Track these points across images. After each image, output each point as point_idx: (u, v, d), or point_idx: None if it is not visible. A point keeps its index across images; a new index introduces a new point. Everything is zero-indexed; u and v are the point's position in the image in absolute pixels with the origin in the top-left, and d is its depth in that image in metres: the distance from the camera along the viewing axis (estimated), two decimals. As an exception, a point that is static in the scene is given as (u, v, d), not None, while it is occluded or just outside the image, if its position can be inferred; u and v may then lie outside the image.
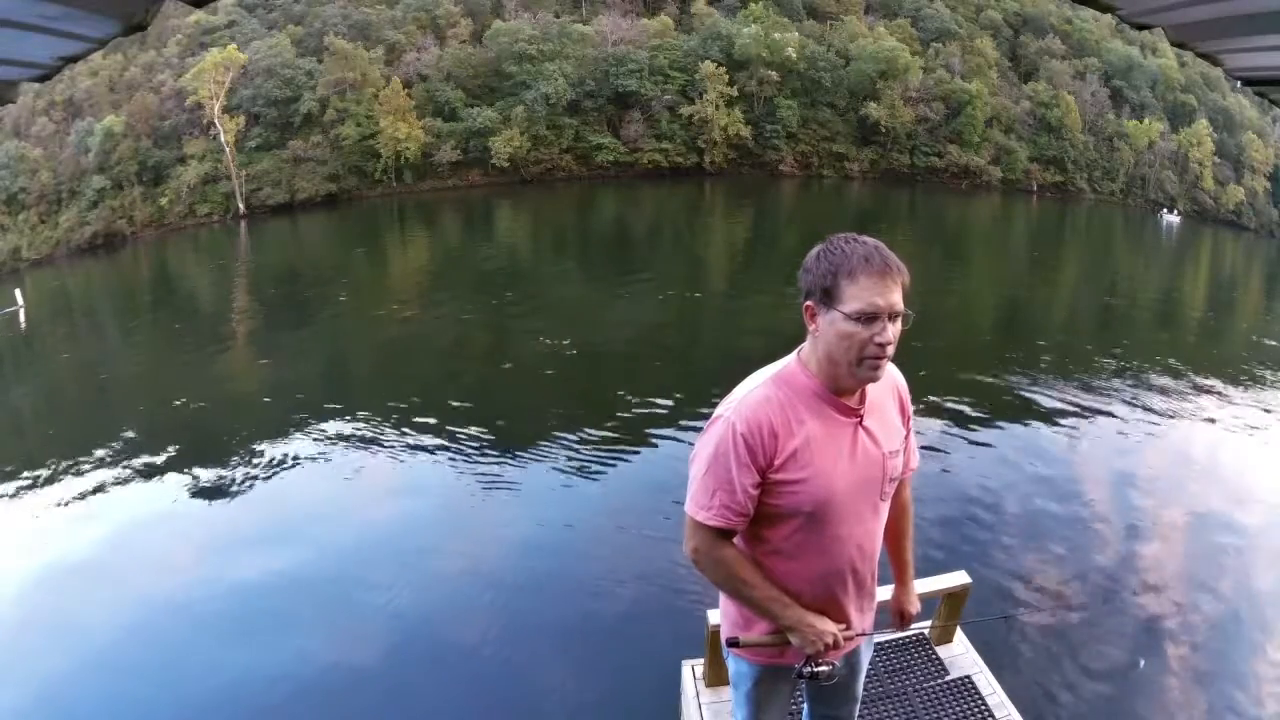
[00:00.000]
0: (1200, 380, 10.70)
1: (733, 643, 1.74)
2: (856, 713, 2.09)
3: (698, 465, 1.58)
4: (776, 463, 1.52)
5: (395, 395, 9.90)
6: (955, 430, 8.03)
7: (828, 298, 1.46)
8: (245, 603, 5.25)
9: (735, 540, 1.63)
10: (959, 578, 3.27)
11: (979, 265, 23.25)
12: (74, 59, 1.55)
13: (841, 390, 1.56)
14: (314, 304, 17.22)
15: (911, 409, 1.75)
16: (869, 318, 1.43)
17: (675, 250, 24.73)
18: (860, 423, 1.59)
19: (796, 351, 1.61)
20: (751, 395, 1.55)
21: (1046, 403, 9.14)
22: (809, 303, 1.50)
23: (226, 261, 28.17)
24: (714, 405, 1.63)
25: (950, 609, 3.32)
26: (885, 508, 1.70)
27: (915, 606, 1.99)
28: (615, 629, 4.82)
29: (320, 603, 5.22)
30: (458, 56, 40.82)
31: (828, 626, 1.64)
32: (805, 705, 2.17)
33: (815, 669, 1.66)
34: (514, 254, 24.55)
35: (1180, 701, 4.16)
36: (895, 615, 2.00)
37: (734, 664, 1.88)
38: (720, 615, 1.88)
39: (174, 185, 36.41)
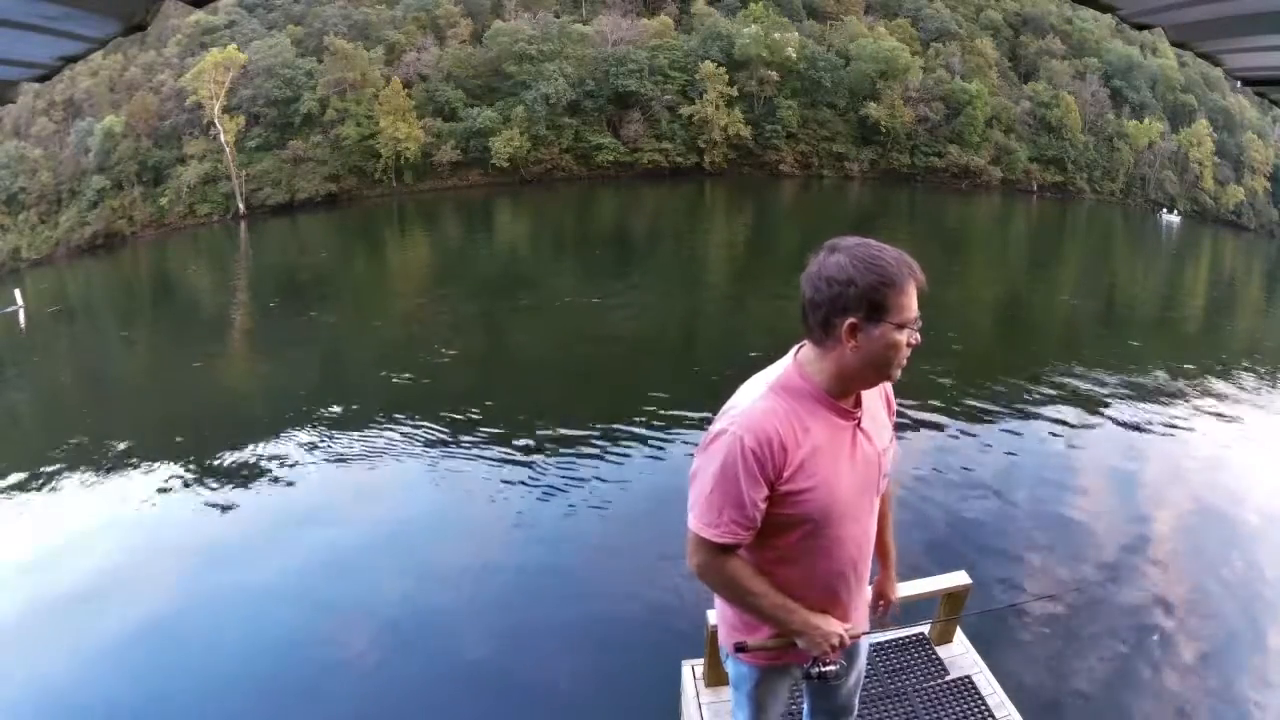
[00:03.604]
0: (1199, 379, 10.70)
1: (740, 648, 1.73)
2: (856, 705, 2.10)
3: (702, 482, 1.54)
4: (786, 474, 1.50)
5: (394, 397, 9.90)
6: (956, 430, 8.03)
7: (877, 311, 1.44)
8: (243, 605, 5.24)
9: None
10: (959, 578, 3.27)
11: (978, 265, 23.26)
12: (74, 59, 1.55)
13: (844, 394, 1.56)
14: (313, 304, 17.21)
15: (895, 402, 1.79)
16: (911, 324, 1.47)
17: (675, 250, 24.72)
18: (859, 425, 1.59)
19: (792, 355, 1.59)
20: (756, 407, 1.51)
21: (1046, 402, 9.13)
22: (853, 319, 1.44)
23: (226, 261, 28.18)
24: (714, 406, 1.62)
25: (950, 609, 3.32)
26: (878, 503, 1.72)
27: (896, 592, 2.02)
28: (615, 629, 4.82)
29: (319, 605, 5.22)
30: (458, 56, 40.83)
31: (834, 627, 1.65)
32: (805, 702, 2.18)
33: (823, 669, 1.67)
34: (513, 254, 24.57)
35: (1181, 701, 4.16)
36: (875, 598, 2.00)
37: (734, 666, 1.88)
38: (718, 620, 1.87)
39: (174, 185, 36.45)
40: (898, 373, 1.52)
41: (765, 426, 1.48)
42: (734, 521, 1.51)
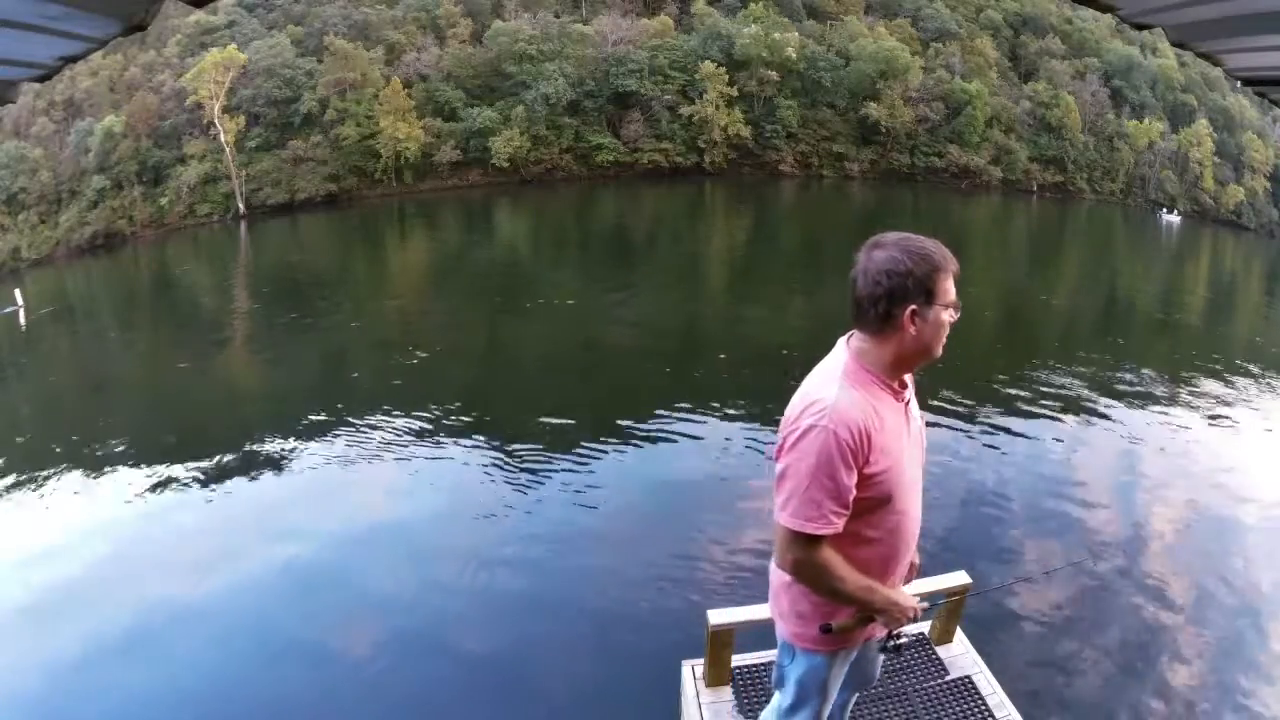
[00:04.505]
0: (1198, 379, 10.70)
1: (826, 629, 1.78)
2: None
3: (796, 479, 1.61)
4: (872, 458, 1.61)
5: (394, 397, 9.89)
6: (957, 430, 8.02)
7: (931, 297, 1.59)
8: (242, 606, 5.24)
9: None
10: (959, 578, 3.27)
11: (979, 265, 23.21)
12: (74, 59, 1.55)
13: (897, 377, 1.68)
14: (312, 305, 17.20)
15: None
16: (955, 305, 1.62)
17: (675, 251, 24.71)
18: (907, 404, 1.73)
19: (845, 347, 1.69)
20: (841, 399, 1.60)
21: (1046, 402, 9.13)
22: (913, 306, 1.58)
23: (226, 262, 28.18)
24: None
25: (950, 609, 3.32)
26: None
27: (918, 558, 2.08)
28: (615, 629, 4.81)
29: (320, 605, 5.22)
30: (458, 56, 40.83)
31: (910, 602, 1.78)
32: None
33: (899, 642, 1.88)
34: (513, 255, 24.56)
35: (1181, 700, 4.16)
36: None
37: (805, 661, 1.90)
38: (784, 615, 1.88)
39: (174, 185, 36.44)
40: (940, 350, 1.65)
41: (853, 416, 1.59)
42: (833, 512, 1.61)
